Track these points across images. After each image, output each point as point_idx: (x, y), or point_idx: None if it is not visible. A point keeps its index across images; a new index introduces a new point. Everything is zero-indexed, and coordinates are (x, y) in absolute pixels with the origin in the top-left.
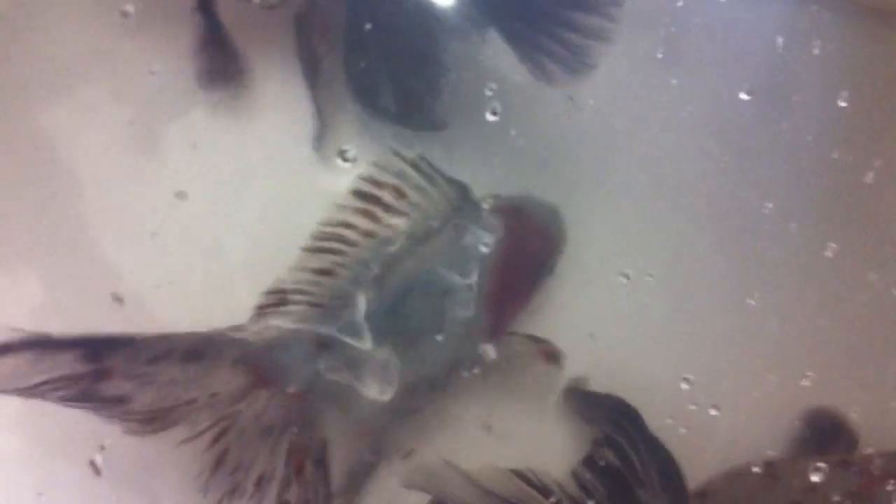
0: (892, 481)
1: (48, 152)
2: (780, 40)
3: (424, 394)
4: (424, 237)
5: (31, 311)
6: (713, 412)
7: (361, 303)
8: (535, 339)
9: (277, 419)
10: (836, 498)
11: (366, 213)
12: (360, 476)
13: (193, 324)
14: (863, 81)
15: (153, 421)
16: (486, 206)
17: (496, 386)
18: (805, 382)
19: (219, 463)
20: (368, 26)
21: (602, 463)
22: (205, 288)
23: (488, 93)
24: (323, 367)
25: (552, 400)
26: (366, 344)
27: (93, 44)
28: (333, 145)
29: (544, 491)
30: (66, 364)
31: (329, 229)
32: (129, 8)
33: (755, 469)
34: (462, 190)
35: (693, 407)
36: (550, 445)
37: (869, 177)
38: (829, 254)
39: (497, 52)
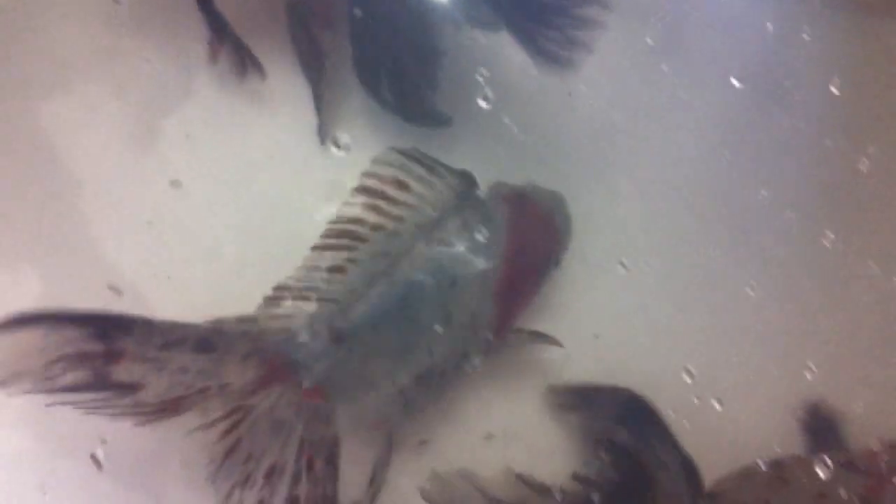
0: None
1: (46, 147)
2: (770, 27)
3: (433, 386)
4: (431, 227)
5: (29, 304)
6: (716, 405)
7: (373, 296)
8: (539, 335)
9: (290, 414)
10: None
11: (372, 208)
12: (380, 471)
13: (193, 317)
14: (855, 68)
15: (164, 411)
16: (490, 194)
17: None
18: (807, 374)
19: (230, 453)
20: (370, 16)
21: (607, 457)
22: (204, 280)
23: (479, 79)
24: (336, 361)
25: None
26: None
27: (91, 38)
28: (344, 134)
29: (547, 493)
30: (78, 341)
31: (338, 226)
32: None
33: (764, 469)
34: (466, 178)
35: (696, 400)
36: (551, 444)
37: (863, 164)
38: (826, 243)
39: (492, 43)
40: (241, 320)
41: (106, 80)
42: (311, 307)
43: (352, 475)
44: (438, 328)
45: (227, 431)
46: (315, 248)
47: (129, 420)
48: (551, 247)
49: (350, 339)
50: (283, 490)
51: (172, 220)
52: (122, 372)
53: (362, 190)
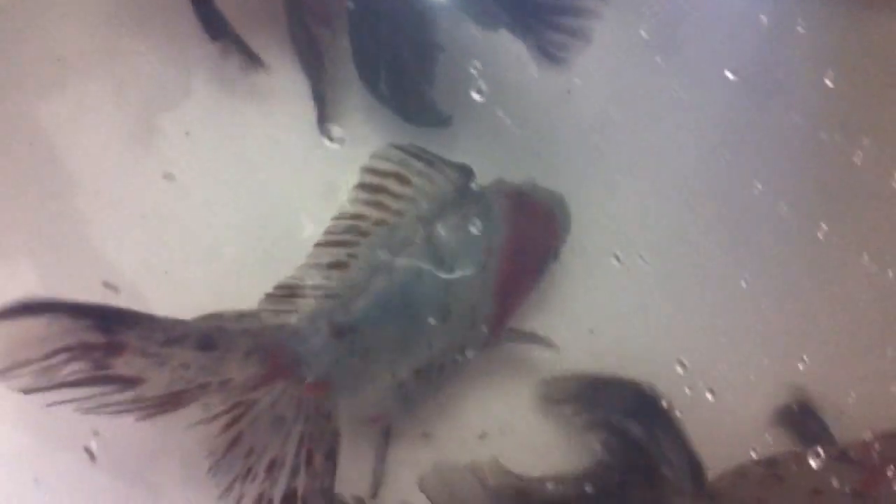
0: (892, 467)
1: (44, 145)
2: (764, 20)
3: (432, 380)
4: (431, 221)
5: None
6: (708, 396)
7: (373, 290)
8: (534, 336)
9: (292, 409)
10: (840, 500)
11: (373, 203)
12: (379, 464)
13: (191, 315)
14: (849, 61)
15: (165, 405)
16: (490, 191)
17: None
18: (800, 366)
19: (231, 447)
20: (368, 12)
21: (614, 447)
22: (202, 278)
23: (472, 71)
24: (338, 355)
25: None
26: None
27: (90, 37)
28: (343, 129)
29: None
30: (79, 332)
31: (340, 222)
32: None
33: (759, 468)
34: (465, 173)
35: (688, 391)
36: (547, 441)
37: (858, 156)
38: (820, 235)
39: (488, 37)
40: (243, 316)
41: (104, 79)
42: (312, 303)
43: (351, 470)
44: (438, 322)
45: (229, 425)
46: (318, 244)
47: (131, 415)
48: (550, 244)
49: (351, 334)
50: (282, 483)
51: (170, 218)
52: (123, 365)
53: (363, 185)
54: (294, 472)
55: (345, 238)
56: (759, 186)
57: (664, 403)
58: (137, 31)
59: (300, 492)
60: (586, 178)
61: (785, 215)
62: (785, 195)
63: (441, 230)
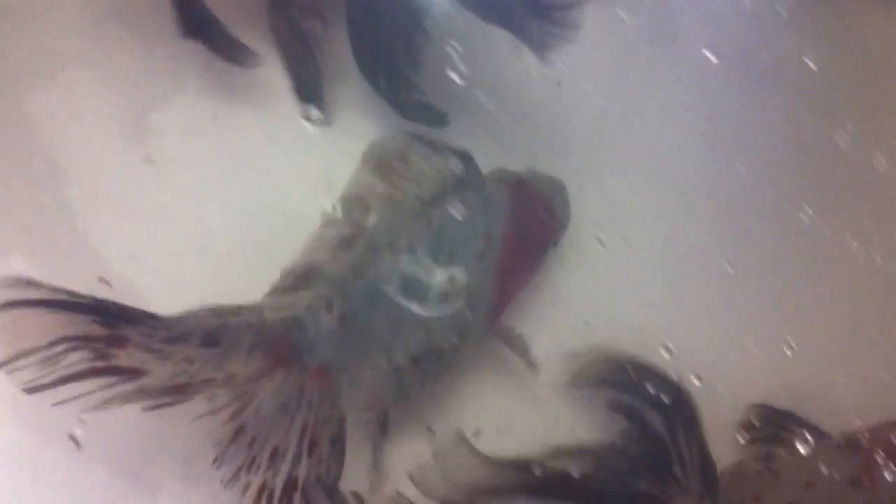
0: (882, 454)
1: (34, 139)
2: (747, 2)
3: (429, 369)
4: (432, 203)
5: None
6: (695, 381)
7: (372, 274)
8: (522, 346)
9: (295, 396)
10: (837, 488)
11: (379, 176)
12: (378, 456)
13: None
14: (832, 44)
15: (169, 396)
16: (490, 179)
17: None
18: (787, 351)
19: (236, 437)
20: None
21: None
22: (196, 272)
23: (450, 51)
24: (338, 340)
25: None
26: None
27: (79, 29)
28: (337, 122)
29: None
30: (81, 324)
31: (344, 202)
32: None
33: (754, 464)
34: (466, 158)
35: (674, 376)
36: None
37: (842, 139)
38: (804, 218)
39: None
40: (246, 310)
41: (95, 72)
42: (315, 289)
43: (347, 465)
44: (435, 307)
45: (233, 416)
46: (325, 222)
47: (135, 405)
48: (550, 233)
49: (350, 318)
50: (286, 471)
51: (162, 211)
52: (126, 357)
53: (368, 160)
54: (296, 461)
55: (352, 215)
56: (743, 169)
57: (691, 401)
58: (129, 24)
59: (303, 479)
60: (570, 163)
61: (769, 198)
62: (769, 179)
63: (441, 215)
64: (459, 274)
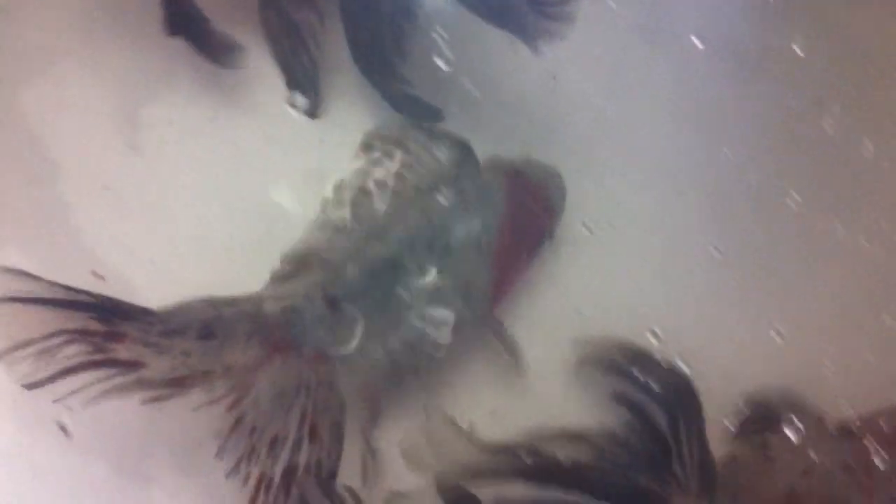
0: (872, 438)
1: (26, 133)
2: None
3: (423, 355)
4: (428, 191)
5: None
6: (683, 367)
7: (366, 258)
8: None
9: (292, 383)
10: (832, 476)
11: (376, 162)
12: (370, 441)
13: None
14: (818, 29)
15: (169, 387)
16: (487, 168)
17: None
18: (774, 336)
19: (236, 426)
20: None
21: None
22: (191, 265)
23: (436, 37)
24: (332, 325)
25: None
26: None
27: (70, 24)
28: (331, 114)
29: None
30: (78, 319)
31: (345, 180)
32: None
33: (749, 451)
34: (463, 147)
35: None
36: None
37: (828, 124)
38: (791, 203)
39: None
40: (241, 300)
41: (86, 66)
42: (312, 275)
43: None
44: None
45: (231, 406)
46: (324, 205)
47: (135, 396)
48: (546, 222)
49: (343, 303)
50: (285, 458)
51: (155, 205)
52: (124, 350)
53: (366, 145)
54: (297, 447)
55: (349, 202)
56: (729, 154)
57: (700, 404)
58: (120, 18)
59: (302, 465)
60: (560, 151)
61: (757, 185)
62: (757, 165)
63: (437, 202)
64: (454, 264)
